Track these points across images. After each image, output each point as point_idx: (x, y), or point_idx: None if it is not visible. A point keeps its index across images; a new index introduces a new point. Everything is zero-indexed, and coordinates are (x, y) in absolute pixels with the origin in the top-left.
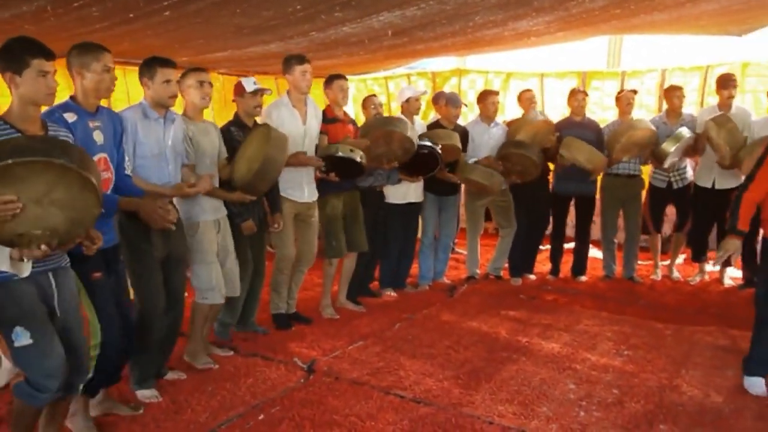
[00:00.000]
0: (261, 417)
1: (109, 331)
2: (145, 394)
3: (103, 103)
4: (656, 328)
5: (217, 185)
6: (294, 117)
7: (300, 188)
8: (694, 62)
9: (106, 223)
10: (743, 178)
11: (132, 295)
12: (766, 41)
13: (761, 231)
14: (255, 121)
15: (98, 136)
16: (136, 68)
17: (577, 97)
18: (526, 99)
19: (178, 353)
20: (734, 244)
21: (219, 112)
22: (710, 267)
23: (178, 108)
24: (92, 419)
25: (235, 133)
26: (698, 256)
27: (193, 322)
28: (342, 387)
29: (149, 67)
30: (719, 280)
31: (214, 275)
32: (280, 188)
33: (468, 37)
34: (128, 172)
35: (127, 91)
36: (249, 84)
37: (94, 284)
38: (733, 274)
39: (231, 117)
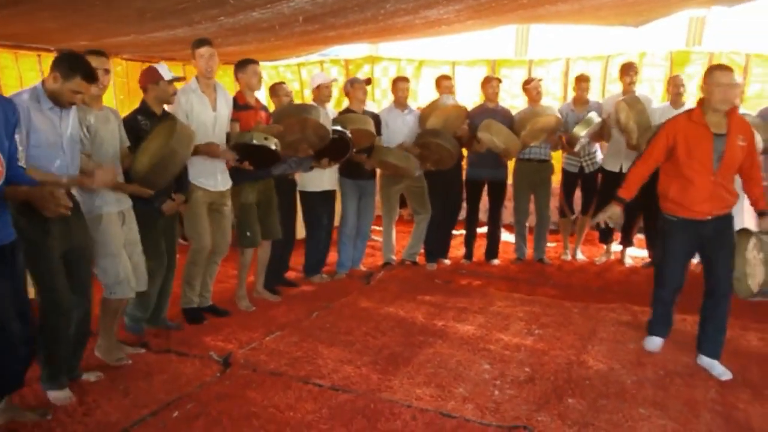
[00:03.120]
0: (176, 414)
1: (8, 333)
2: (58, 396)
3: None
4: (565, 307)
5: (121, 178)
6: (203, 103)
7: (213, 176)
8: (595, 52)
9: (1, 218)
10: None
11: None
12: (660, 33)
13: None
14: (164, 109)
15: None
16: (30, 52)
17: (491, 84)
18: (445, 87)
19: (90, 354)
20: (614, 210)
21: (123, 100)
22: (616, 247)
23: None
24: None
25: (142, 122)
26: (605, 237)
27: (102, 318)
28: (260, 379)
29: (71, 69)
30: (620, 261)
31: (121, 268)
32: (192, 177)
33: (380, 24)
34: (22, 162)
35: (20, 76)
36: (165, 71)
37: None
38: (634, 254)
39: (137, 103)
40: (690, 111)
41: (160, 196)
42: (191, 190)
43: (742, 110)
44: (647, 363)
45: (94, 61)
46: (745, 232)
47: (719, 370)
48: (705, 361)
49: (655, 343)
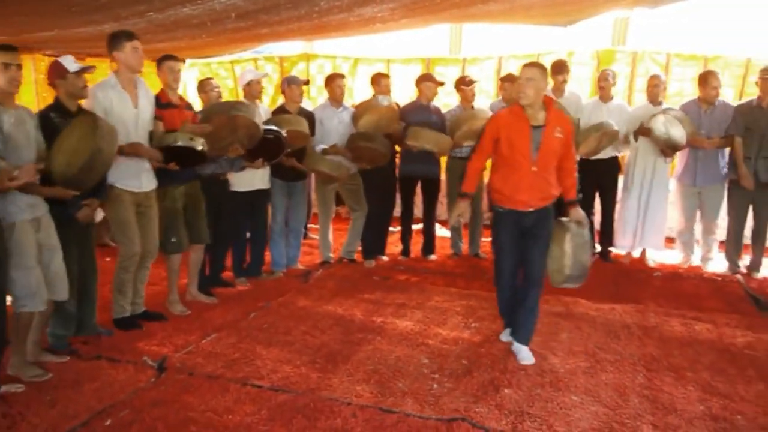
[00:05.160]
0: (108, 422)
1: None
2: None
3: None
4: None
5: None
6: (123, 99)
7: (137, 177)
8: (526, 50)
9: None
10: (578, 157)
11: None
12: (587, 32)
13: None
14: (79, 105)
15: None
16: None
17: (433, 89)
18: (384, 85)
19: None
20: (461, 206)
21: (45, 99)
22: None
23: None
24: None
25: (56, 120)
26: None
27: (15, 333)
28: (197, 382)
29: None
30: None
31: (33, 280)
32: (116, 179)
33: (314, 21)
34: None
35: None
36: (70, 63)
37: None
38: None
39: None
40: (512, 106)
41: (75, 203)
42: (115, 193)
43: (665, 105)
44: (579, 352)
45: (4, 57)
46: (560, 224)
47: (523, 354)
48: (514, 346)
49: (506, 334)
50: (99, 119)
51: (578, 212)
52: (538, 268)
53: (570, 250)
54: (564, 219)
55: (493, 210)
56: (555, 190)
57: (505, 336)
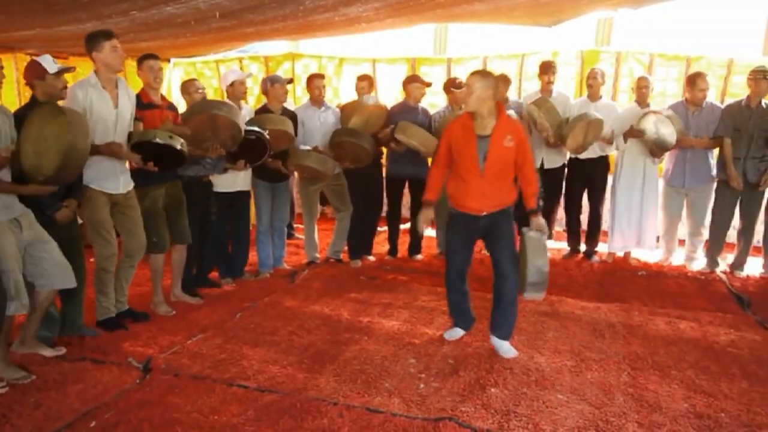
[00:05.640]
0: (93, 424)
1: None
2: None
3: None
4: (487, 299)
5: (8, 178)
6: (104, 99)
7: (114, 178)
8: (511, 50)
9: None
10: (568, 154)
11: None
12: (571, 33)
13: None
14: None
15: None
16: None
17: (422, 90)
18: (360, 87)
19: None
20: (425, 213)
21: (27, 98)
22: None
23: None
24: None
25: None
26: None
27: None
28: (182, 383)
29: None
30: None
31: (12, 283)
32: (90, 179)
33: (299, 21)
34: None
35: None
36: (50, 64)
37: None
38: (552, 246)
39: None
40: (462, 115)
41: (53, 204)
42: (89, 194)
43: (652, 106)
44: (565, 351)
45: None
46: (522, 235)
47: (504, 348)
48: (494, 341)
49: (453, 333)
50: (68, 113)
51: (539, 221)
52: (507, 263)
53: (526, 256)
54: (525, 229)
55: (449, 211)
56: (510, 196)
57: (449, 334)
